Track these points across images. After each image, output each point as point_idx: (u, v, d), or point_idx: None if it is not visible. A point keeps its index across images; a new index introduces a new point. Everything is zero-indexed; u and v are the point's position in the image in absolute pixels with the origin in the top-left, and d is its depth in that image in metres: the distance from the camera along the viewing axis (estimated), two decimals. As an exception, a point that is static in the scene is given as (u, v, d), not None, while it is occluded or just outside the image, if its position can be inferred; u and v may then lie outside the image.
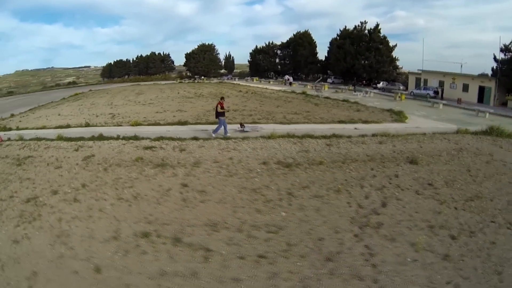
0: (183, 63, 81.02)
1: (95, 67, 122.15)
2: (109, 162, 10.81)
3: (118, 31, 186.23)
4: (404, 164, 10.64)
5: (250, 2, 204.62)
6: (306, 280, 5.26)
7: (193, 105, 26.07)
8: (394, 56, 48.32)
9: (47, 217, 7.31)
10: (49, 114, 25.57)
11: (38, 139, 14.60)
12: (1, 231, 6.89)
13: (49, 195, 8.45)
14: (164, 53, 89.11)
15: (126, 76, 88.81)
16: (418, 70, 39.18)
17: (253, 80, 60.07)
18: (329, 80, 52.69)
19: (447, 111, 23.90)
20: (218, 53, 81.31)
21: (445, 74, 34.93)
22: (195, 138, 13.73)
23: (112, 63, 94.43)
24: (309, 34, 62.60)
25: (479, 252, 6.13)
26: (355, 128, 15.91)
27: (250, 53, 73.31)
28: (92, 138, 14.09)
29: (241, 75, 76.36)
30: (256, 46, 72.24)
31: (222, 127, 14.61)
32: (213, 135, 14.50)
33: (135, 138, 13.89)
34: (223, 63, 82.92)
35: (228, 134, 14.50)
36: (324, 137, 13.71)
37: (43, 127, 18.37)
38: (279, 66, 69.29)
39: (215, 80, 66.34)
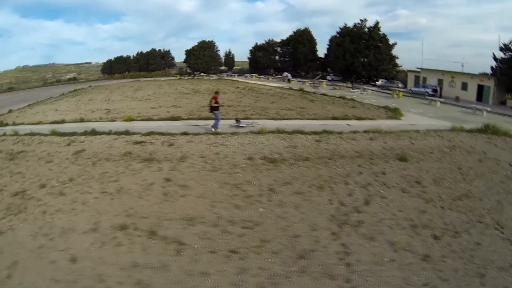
0: (183, 60, 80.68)
1: (96, 63, 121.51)
2: (98, 157, 10.77)
3: (119, 27, 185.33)
4: (393, 161, 10.33)
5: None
6: (275, 277, 5.12)
7: (189, 101, 25.87)
8: (393, 54, 47.88)
9: (32, 210, 7.39)
10: (47, 109, 25.48)
11: (33, 134, 14.55)
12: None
13: (37, 188, 8.51)
14: (165, 49, 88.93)
15: (127, 73, 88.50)
16: (417, 68, 38.79)
17: (252, 77, 59.66)
18: (328, 77, 52.23)
19: (444, 109, 23.56)
20: (218, 50, 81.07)
21: (444, 72, 34.53)
22: (185, 133, 13.57)
23: (112, 59, 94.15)
24: (309, 32, 62.18)
25: (462, 253, 5.84)
26: (348, 125, 15.59)
27: (250, 50, 72.90)
28: (85, 133, 14.03)
29: (241, 72, 75.92)
30: (256, 43, 71.85)
31: (218, 121, 14.39)
32: (213, 129, 14.27)
33: (126, 133, 13.80)
34: (223, 60, 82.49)
35: (218, 129, 14.24)
36: (315, 133, 13.41)
37: (39, 123, 18.29)
38: (279, 63, 68.85)
39: (214, 77, 66.01)
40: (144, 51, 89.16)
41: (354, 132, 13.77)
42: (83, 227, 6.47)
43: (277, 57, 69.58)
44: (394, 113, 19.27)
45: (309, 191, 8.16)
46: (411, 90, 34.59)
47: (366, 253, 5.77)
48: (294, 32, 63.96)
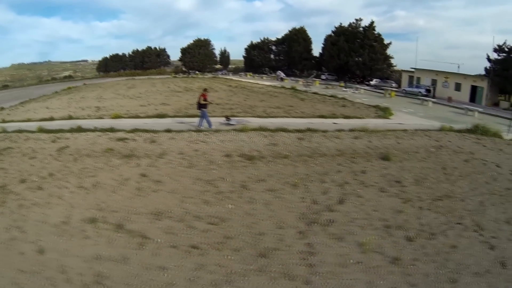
0: (178, 58, 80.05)
1: (92, 61, 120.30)
2: (81, 153, 10.76)
3: (116, 25, 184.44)
4: (375, 160, 10.00)
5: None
6: (232, 274, 4.98)
7: (179, 99, 25.79)
8: (388, 54, 47.64)
9: (10, 204, 7.42)
10: (38, 107, 25.27)
11: (20, 131, 14.43)
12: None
13: (17, 183, 8.51)
14: (160, 47, 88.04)
15: (122, 70, 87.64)
16: (411, 68, 38.59)
17: (246, 76, 59.28)
18: (323, 76, 51.95)
19: (436, 109, 23.34)
20: (214, 48, 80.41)
21: (437, 72, 34.37)
22: (168, 130, 13.49)
23: (108, 57, 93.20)
24: (305, 31, 61.67)
25: (436, 257, 5.47)
26: (334, 123, 15.26)
27: (245, 49, 72.17)
28: (71, 130, 13.98)
29: (236, 71, 75.44)
30: (252, 42, 71.15)
31: (203, 118, 14.26)
32: (211, 126, 14.13)
33: (111, 130, 13.76)
34: (218, 59, 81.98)
35: (201, 127, 14.12)
36: (298, 131, 13.10)
37: (28, 120, 18.16)
38: (273, 62, 68.33)
39: (209, 75, 65.54)
40: (140, 49, 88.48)
41: (339, 130, 13.46)
42: (55, 220, 6.52)
43: (272, 56, 69.04)
44: (384, 112, 19.04)
45: (282, 188, 7.88)
46: (405, 90, 34.38)
47: (331, 254, 5.45)
48: (289, 31, 63.43)
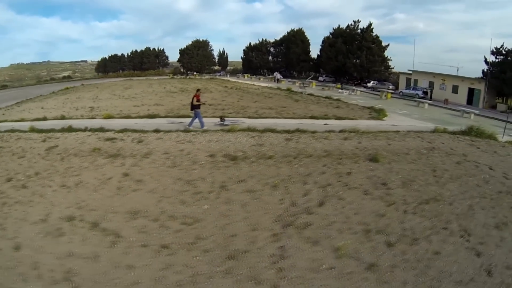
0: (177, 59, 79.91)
1: (92, 61, 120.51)
2: (68, 152, 10.75)
3: (116, 25, 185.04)
4: (363, 161, 9.66)
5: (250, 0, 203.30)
6: (198, 276, 4.84)
7: (173, 100, 25.75)
8: (386, 56, 47.38)
9: None
10: (34, 107, 25.18)
11: (12, 130, 14.36)
12: None
13: (3, 182, 8.52)
14: (159, 48, 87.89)
15: (121, 71, 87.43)
16: (408, 70, 38.33)
17: (244, 77, 59.09)
18: (320, 78, 51.74)
19: (432, 111, 23.05)
20: (212, 50, 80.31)
21: (435, 75, 34.12)
22: (157, 131, 13.40)
23: (107, 58, 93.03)
24: (303, 32, 61.54)
25: (416, 263, 5.11)
26: (325, 124, 14.94)
27: (244, 50, 72.15)
28: (62, 130, 13.95)
29: (234, 72, 75.25)
30: (250, 43, 71.13)
31: (197, 119, 14.17)
32: (203, 127, 13.96)
33: (101, 130, 13.76)
34: (216, 60, 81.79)
35: (191, 127, 14.02)
36: (287, 131, 12.81)
37: (22, 120, 18.10)
38: (272, 64, 68.19)
39: (206, 76, 65.36)
40: (139, 50, 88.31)
41: (329, 131, 13.15)
42: (34, 218, 6.56)
43: (270, 58, 68.92)
44: (378, 113, 18.78)
45: (262, 189, 7.58)
46: (402, 92, 34.12)
47: (303, 258, 5.14)
48: (287, 33, 63.34)
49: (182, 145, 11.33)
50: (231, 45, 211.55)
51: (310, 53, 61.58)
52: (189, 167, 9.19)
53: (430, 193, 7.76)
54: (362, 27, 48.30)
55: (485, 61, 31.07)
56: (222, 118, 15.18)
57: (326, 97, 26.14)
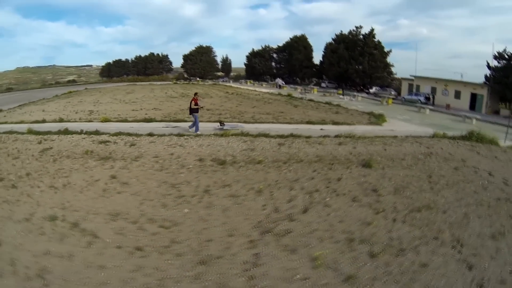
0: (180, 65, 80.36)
1: (97, 66, 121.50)
2: (61, 154, 10.82)
3: (121, 31, 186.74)
4: (355, 167, 9.34)
5: (254, 6, 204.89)
6: (166, 279, 4.72)
7: (172, 104, 25.95)
8: (388, 62, 47.05)
9: None
10: (35, 110, 25.49)
11: (11, 132, 14.51)
12: None
13: None
14: (163, 54, 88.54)
15: (125, 76, 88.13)
16: (410, 76, 37.95)
17: (247, 83, 59.12)
18: (323, 84, 51.55)
19: (433, 117, 22.63)
20: (216, 55, 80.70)
21: (437, 80, 33.66)
22: (151, 134, 13.54)
23: (111, 62, 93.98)
24: (305, 38, 61.58)
25: (400, 276, 4.76)
26: (321, 129, 14.67)
27: (247, 56, 72.36)
28: (58, 132, 14.10)
29: (237, 78, 75.38)
30: (253, 49, 71.31)
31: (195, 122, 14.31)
32: (190, 130, 14.29)
33: (96, 133, 13.90)
34: (220, 66, 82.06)
35: (190, 130, 14.30)
36: (281, 136, 12.60)
37: (21, 122, 18.38)
38: (274, 70, 68.20)
39: (209, 82, 65.55)
40: (143, 56, 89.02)
41: (324, 136, 12.87)
42: (18, 217, 6.61)
43: (273, 64, 68.96)
44: (378, 119, 18.45)
45: (246, 194, 7.38)
46: (404, 97, 33.71)
47: (277, 267, 4.86)
48: (290, 39, 63.38)
49: (173, 149, 11.30)
50: (236, 51, 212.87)
51: (313, 59, 61.61)
52: (176, 171, 9.16)
53: (423, 200, 7.40)
54: (364, 33, 48.12)
55: (488, 66, 30.59)
56: (221, 123, 15.17)
57: (326, 103, 25.92)
